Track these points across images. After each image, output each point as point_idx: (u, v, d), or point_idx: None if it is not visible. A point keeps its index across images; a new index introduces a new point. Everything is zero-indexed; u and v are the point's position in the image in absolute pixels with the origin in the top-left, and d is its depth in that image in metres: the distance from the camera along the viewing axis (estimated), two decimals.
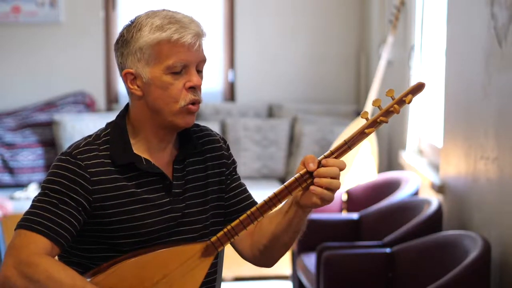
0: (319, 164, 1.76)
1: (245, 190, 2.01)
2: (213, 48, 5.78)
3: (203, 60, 1.86)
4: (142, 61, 1.82)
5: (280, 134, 5.48)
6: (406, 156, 4.51)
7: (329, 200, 1.76)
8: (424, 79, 4.38)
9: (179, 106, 1.82)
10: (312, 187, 1.75)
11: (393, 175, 4.25)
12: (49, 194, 1.78)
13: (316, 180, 1.74)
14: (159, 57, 1.81)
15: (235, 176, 2.01)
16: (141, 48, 1.81)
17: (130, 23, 1.86)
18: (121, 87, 5.72)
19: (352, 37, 5.88)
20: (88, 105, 5.58)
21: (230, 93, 5.89)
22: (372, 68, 5.53)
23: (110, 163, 1.83)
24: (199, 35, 1.82)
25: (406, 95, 1.78)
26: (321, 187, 1.74)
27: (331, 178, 1.74)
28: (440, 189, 3.69)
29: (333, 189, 1.75)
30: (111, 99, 5.77)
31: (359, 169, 4.68)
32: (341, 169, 1.76)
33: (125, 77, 1.85)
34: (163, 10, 1.85)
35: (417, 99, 4.42)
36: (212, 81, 5.82)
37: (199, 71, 1.86)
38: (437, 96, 4.17)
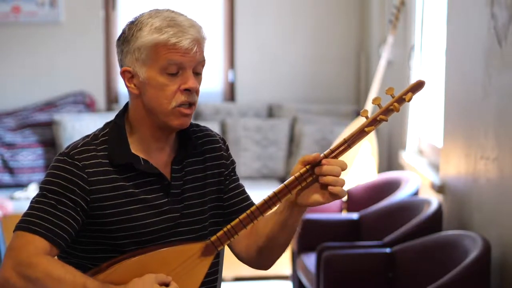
0: (320, 162, 1.77)
1: (244, 191, 2.01)
2: (213, 48, 5.78)
3: (202, 64, 1.85)
4: (140, 60, 1.82)
5: (280, 134, 5.48)
6: (406, 156, 4.50)
7: (342, 196, 1.78)
8: (424, 79, 4.37)
9: (171, 107, 1.82)
10: (330, 187, 1.76)
11: (393, 175, 4.25)
12: (47, 195, 1.78)
13: (322, 178, 1.76)
14: (155, 58, 1.80)
15: (234, 177, 2.00)
16: (139, 48, 1.81)
17: (133, 20, 1.85)
18: (121, 87, 5.72)
19: (352, 37, 5.88)
20: (88, 105, 5.58)
21: (230, 93, 5.89)
22: (372, 68, 5.52)
23: (108, 163, 1.83)
24: (197, 40, 1.81)
25: (406, 93, 1.78)
26: (327, 184, 1.76)
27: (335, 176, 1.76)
28: (440, 189, 3.68)
29: (340, 186, 1.77)
30: (111, 99, 5.77)
31: (359, 169, 4.68)
32: (343, 169, 1.77)
33: (123, 75, 1.86)
34: (167, 10, 1.84)
35: (417, 99, 4.44)
36: (212, 81, 5.82)
37: (198, 74, 1.85)
38: (437, 96, 4.17)
